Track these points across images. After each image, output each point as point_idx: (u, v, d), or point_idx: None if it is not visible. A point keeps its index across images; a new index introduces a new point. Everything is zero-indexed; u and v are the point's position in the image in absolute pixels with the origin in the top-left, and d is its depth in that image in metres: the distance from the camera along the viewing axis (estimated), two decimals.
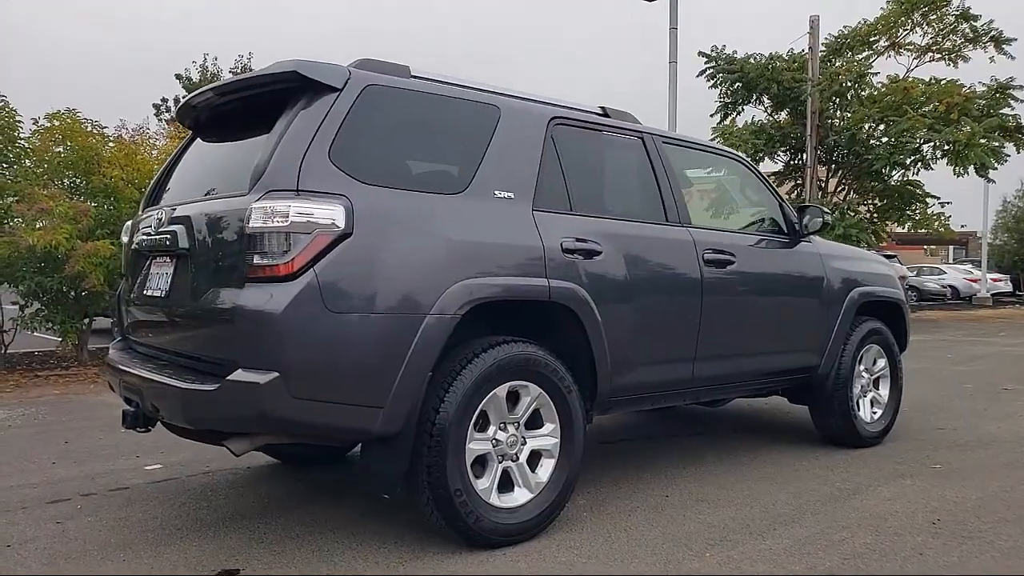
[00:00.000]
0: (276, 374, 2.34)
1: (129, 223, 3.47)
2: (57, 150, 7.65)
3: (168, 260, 2.87)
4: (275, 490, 3.51)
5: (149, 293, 2.95)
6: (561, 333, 3.06)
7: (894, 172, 14.67)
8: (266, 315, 2.35)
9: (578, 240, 3.05)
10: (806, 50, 15.43)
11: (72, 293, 7.34)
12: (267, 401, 2.35)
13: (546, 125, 3.18)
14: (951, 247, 40.81)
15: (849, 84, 14.55)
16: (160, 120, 20.48)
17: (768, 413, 5.44)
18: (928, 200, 15.12)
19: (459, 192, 2.85)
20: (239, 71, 19.13)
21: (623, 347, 3.15)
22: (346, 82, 2.68)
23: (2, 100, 7.30)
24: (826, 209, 4.09)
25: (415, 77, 2.95)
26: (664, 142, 3.68)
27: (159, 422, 2.90)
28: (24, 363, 7.83)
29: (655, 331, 3.32)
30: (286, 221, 2.39)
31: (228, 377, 2.36)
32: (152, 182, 3.49)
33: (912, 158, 14.08)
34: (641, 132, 3.59)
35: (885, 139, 14.52)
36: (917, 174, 14.66)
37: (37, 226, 6.73)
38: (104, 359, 3.26)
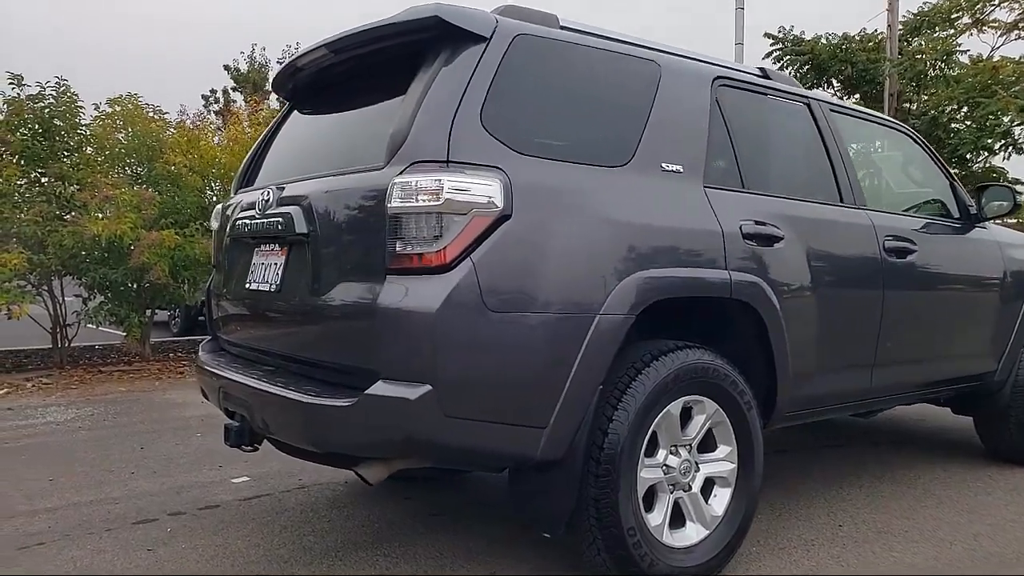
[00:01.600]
0: (428, 387, 1.88)
1: (218, 207, 3.06)
2: (118, 136, 7.35)
3: (278, 248, 2.43)
4: (384, 512, 3.08)
5: (254, 287, 2.52)
6: (732, 335, 2.56)
7: (979, 157, 13.71)
8: (416, 316, 1.89)
9: (757, 224, 2.54)
10: (880, 30, 14.52)
11: (135, 285, 7.05)
12: (417, 421, 1.90)
13: (710, 86, 2.67)
14: None
15: (932, 62, 13.62)
16: (209, 111, 20.39)
17: (899, 420, 4.85)
18: (1019, 188, 14.12)
19: (623, 165, 2.35)
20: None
21: (805, 352, 2.63)
22: (493, 31, 2.21)
23: (64, 84, 6.99)
24: (1017, 189, 3.47)
25: (564, 28, 2.46)
26: (832, 110, 3.14)
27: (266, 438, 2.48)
28: (86, 357, 7.59)
29: (838, 332, 2.80)
30: (438, 200, 1.92)
31: (368, 391, 1.91)
32: (244, 161, 3.07)
33: (1002, 142, 13.11)
34: (808, 98, 3.06)
35: (969, 122, 13.57)
36: (1008, 159, 13.68)
37: (99, 216, 6.43)
38: (196, 360, 2.85)
